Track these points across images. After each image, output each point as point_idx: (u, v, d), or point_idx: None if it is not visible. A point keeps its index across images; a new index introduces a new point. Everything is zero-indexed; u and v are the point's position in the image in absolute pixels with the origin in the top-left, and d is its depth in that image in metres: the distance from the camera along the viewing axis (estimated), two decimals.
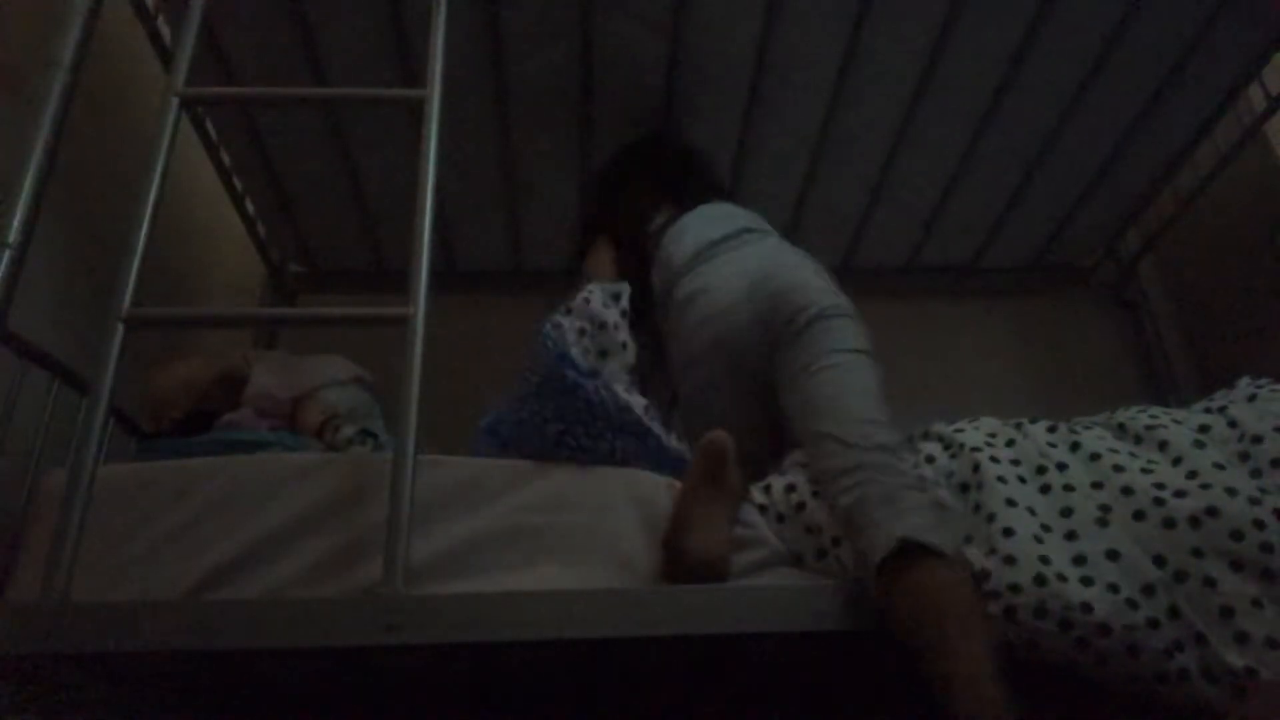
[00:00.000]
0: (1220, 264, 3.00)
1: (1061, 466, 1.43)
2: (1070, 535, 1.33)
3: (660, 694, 1.70)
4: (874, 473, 1.35)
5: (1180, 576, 1.28)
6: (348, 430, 1.74)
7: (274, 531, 1.35)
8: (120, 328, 1.28)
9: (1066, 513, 1.36)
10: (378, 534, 1.29)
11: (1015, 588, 1.26)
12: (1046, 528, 1.34)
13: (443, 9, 1.57)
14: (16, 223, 1.33)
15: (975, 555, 1.31)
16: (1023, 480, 1.42)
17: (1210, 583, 1.26)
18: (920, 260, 3.15)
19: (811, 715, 1.82)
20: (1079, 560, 1.30)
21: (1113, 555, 1.29)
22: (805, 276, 1.69)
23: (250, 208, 2.78)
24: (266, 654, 1.26)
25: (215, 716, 1.71)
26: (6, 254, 1.31)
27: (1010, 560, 1.29)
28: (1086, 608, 1.24)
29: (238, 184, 2.67)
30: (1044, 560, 1.28)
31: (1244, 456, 1.40)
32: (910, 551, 1.25)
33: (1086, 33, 2.32)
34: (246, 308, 2.88)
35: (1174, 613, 1.26)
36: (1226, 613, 1.25)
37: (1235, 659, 1.22)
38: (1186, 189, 2.88)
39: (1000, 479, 1.41)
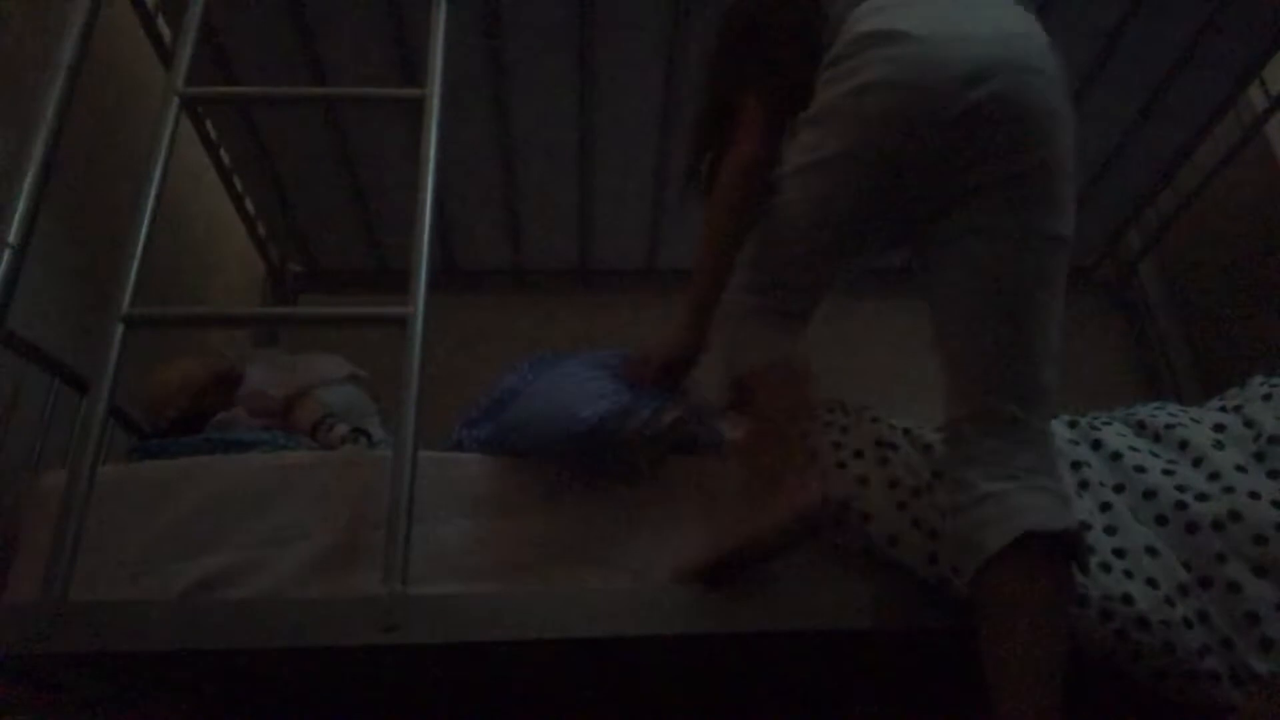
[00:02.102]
0: (1220, 264, 3.00)
1: (1085, 465, 1.43)
2: (1110, 530, 1.33)
3: (661, 693, 1.70)
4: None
5: (1205, 583, 1.28)
6: (341, 429, 1.74)
7: (267, 531, 1.35)
8: (120, 328, 1.28)
9: (1105, 508, 1.36)
10: (372, 532, 1.29)
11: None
12: (1086, 525, 1.33)
13: (443, 9, 1.57)
14: (16, 223, 1.33)
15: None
16: None
17: (1235, 588, 1.26)
18: None
19: (811, 715, 1.82)
20: (1119, 553, 1.30)
21: (1151, 551, 1.30)
22: (1042, 87, 1.21)
23: (250, 207, 2.79)
24: (266, 654, 1.26)
25: (215, 716, 1.70)
26: (6, 254, 1.31)
27: None
28: (1127, 599, 1.24)
29: (238, 183, 2.67)
30: (1088, 549, 1.28)
31: (1260, 457, 1.41)
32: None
33: (1086, 33, 2.32)
34: (246, 308, 2.88)
35: (1203, 616, 1.26)
36: (1251, 619, 1.25)
37: (1260, 665, 1.22)
38: (1186, 189, 2.88)
39: None
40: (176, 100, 1.45)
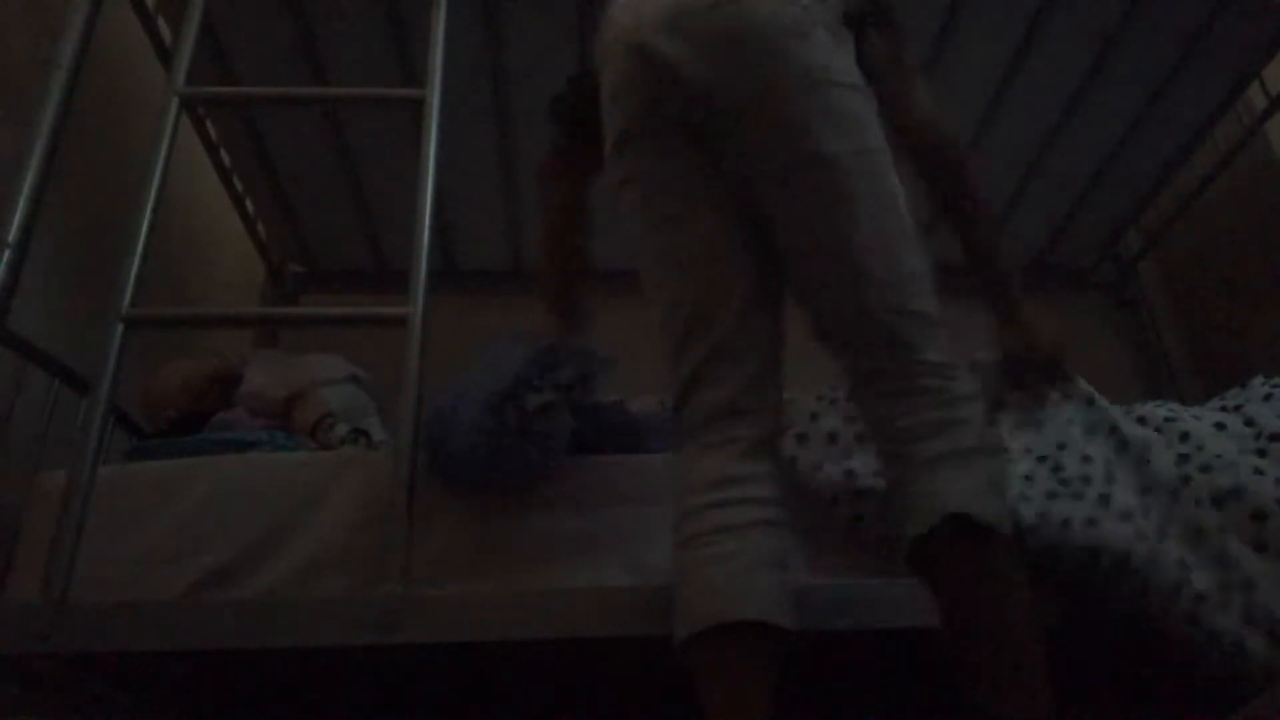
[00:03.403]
0: (1220, 264, 3.00)
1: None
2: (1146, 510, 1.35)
3: (660, 694, 1.70)
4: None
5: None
6: (340, 429, 1.74)
7: (266, 531, 1.35)
8: (120, 328, 1.28)
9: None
10: (372, 532, 1.29)
11: (1066, 522, 1.27)
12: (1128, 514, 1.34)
13: (443, 9, 1.57)
14: (16, 223, 1.33)
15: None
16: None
17: (1232, 564, 1.27)
18: None
19: (812, 715, 1.82)
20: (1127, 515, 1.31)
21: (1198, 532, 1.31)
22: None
23: (250, 208, 2.79)
24: (266, 654, 1.26)
25: (215, 716, 1.70)
26: (6, 254, 1.31)
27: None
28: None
29: (238, 184, 2.67)
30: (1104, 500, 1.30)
31: (1261, 454, 1.42)
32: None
33: (1086, 33, 2.32)
34: (246, 308, 2.88)
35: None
36: (1249, 585, 1.26)
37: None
38: (1186, 189, 2.88)
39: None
40: (176, 100, 1.45)
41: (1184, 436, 1.45)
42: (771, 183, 1.13)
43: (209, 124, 2.45)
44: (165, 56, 2.11)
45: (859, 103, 1.13)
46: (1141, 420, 1.53)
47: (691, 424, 1.10)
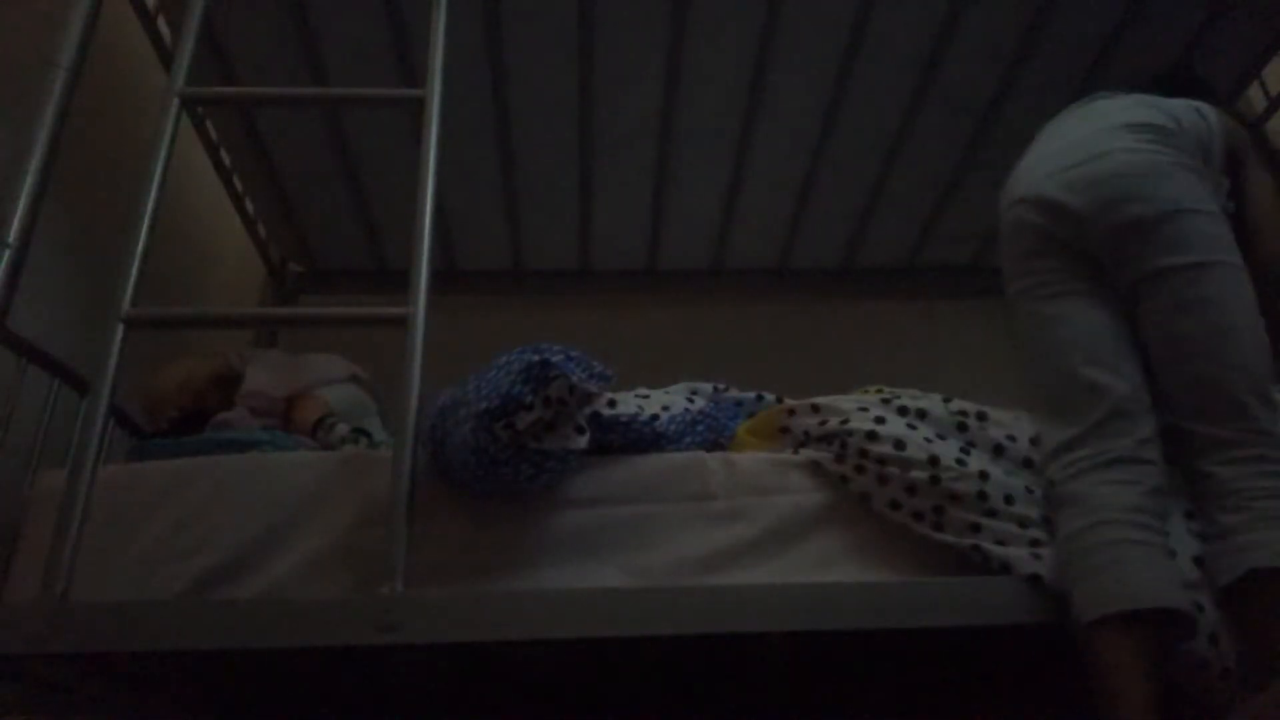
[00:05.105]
0: None
1: None
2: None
3: (660, 694, 1.70)
4: None
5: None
6: (341, 429, 1.74)
7: (266, 531, 1.35)
8: (120, 328, 1.28)
9: None
10: (372, 532, 1.29)
11: None
12: None
13: (442, 9, 1.57)
14: (16, 223, 1.33)
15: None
16: None
17: None
18: (920, 260, 3.15)
19: (814, 716, 1.82)
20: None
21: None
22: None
23: (250, 208, 2.79)
24: (266, 654, 1.26)
25: (215, 716, 1.71)
26: (6, 254, 1.31)
27: None
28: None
29: (238, 184, 2.67)
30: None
31: None
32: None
33: (1086, 33, 2.32)
34: (246, 308, 2.88)
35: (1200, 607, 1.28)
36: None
37: None
38: None
39: None
40: (176, 100, 1.45)
41: None
42: (1143, 287, 1.39)
43: (209, 124, 2.45)
44: (165, 57, 2.11)
45: (1213, 224, 1.39)
46: None
47: (1098, 462, 1.33)
